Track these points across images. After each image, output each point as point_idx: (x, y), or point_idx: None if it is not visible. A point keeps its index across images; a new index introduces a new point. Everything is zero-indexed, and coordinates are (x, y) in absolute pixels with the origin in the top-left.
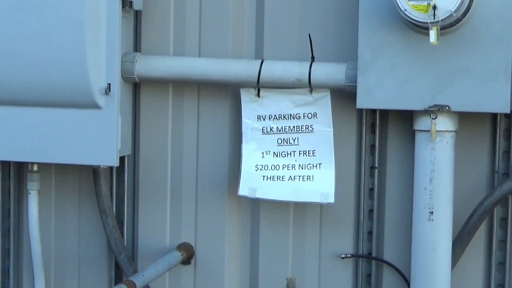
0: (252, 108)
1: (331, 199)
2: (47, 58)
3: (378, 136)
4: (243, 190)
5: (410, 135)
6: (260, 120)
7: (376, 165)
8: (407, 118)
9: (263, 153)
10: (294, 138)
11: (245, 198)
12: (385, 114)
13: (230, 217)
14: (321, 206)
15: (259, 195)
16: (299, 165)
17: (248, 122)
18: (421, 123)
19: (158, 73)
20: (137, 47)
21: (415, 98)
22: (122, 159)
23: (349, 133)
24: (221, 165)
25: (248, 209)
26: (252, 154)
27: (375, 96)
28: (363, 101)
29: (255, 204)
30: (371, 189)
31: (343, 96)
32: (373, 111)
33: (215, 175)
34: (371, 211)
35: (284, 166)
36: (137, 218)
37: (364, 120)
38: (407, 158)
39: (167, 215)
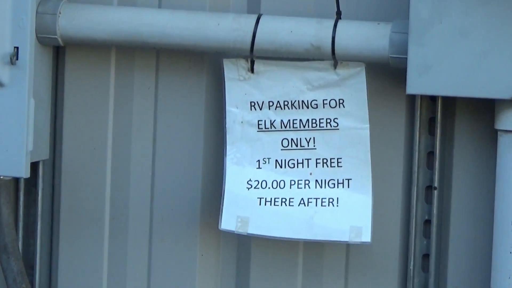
0: (242, 91)
1: (366, 237)
2: None
3: (440, 138)
4: (228, 221)
5: (489, 138)
6: (255, 109)
7: (436, 184)
8: (484, 111)
9: (259, 161)
10: (308, 139)
11: (230, 233)
12: (451, 104)
13: (204, 261)
14: (347, 246)
15: (253, 230)
16: (317, 181)
17: (236, 112)
18: (507, 120)
19: (93, 32)
20: None
21: (497, 81)
22: (35, 166)
23: (394, 132)
24: (192, 179)
25: (232, 248)
26: (243, 164)
27: (436, 76)
28: (417, 84)
29: (244, 241)
30: (427, 222)
31: (386, 74)
32: (432, 99)
33: (182, 195)
34: (426, 256)
35: (293, 182)
36: (56, 260)
37: (418, 113)
38: (484, 174)
39: (103, 256)
